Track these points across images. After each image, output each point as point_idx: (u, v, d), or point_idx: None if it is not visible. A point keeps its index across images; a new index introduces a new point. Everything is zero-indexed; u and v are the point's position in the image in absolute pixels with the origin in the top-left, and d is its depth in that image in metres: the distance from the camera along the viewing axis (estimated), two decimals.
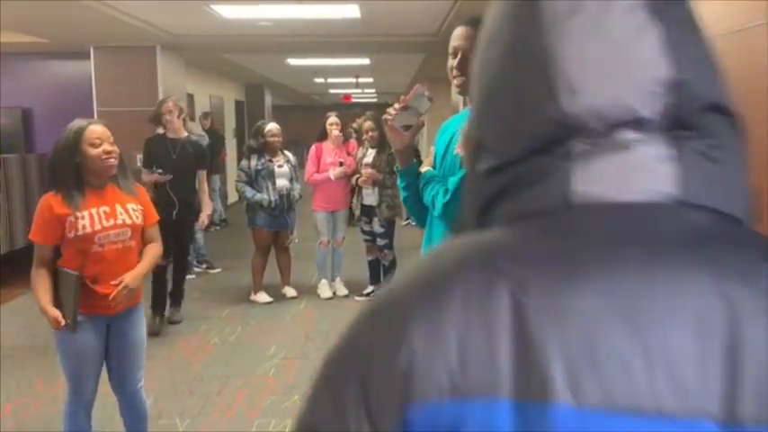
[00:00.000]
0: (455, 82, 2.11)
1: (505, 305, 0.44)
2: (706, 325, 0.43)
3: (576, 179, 0.49)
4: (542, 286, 0.45)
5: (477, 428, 0.43)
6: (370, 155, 5.51)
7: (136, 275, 2.53)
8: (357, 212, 5.82)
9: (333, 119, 5.82)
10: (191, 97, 9.29)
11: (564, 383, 0.42)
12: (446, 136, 2.28)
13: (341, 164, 5.69)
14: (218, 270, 6.84)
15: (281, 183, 5.34)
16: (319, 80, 13.73)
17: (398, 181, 2.33)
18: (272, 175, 5.33)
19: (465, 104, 2.34)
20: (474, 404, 0.43)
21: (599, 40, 0.49)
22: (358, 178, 5.49)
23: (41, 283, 2.43)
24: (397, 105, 2.13)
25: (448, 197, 2.10)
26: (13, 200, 7.14)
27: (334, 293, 5.89)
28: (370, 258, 5.81)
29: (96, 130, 2.50)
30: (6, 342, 4.83)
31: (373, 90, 18.27)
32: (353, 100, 21.47)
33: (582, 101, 0.48)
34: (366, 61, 10.15)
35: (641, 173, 0.48)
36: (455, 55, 2.06)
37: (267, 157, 5.36)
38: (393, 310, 0.48)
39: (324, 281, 5.92)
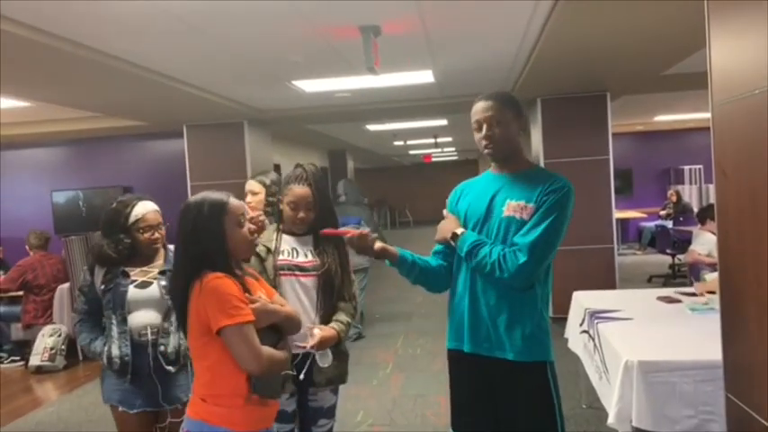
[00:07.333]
0: (486, 151, 2.28)
1: None
2: None
3: None
4: None
5: None
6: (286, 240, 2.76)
7: None
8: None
9: (252, 184, 3.34)
10: (278, 167, 9.68)
11: None
12: (479, 198, 2.32)
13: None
14: None
15: None
16: (398, 143, 13.99)
17: (400, 270, 2.39)
18: None
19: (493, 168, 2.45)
20: None
21: None
22: None
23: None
24: None
25: (525, 257, 2.10)
26: None
27: None
28: None
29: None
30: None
31: (453, 148, 18.40)
32: (434, 159, 21.66)
33: None
34: (444, 122, 10.28)
35: None
36: (479, 128, 2.26)
37: None
38: None
39: None
